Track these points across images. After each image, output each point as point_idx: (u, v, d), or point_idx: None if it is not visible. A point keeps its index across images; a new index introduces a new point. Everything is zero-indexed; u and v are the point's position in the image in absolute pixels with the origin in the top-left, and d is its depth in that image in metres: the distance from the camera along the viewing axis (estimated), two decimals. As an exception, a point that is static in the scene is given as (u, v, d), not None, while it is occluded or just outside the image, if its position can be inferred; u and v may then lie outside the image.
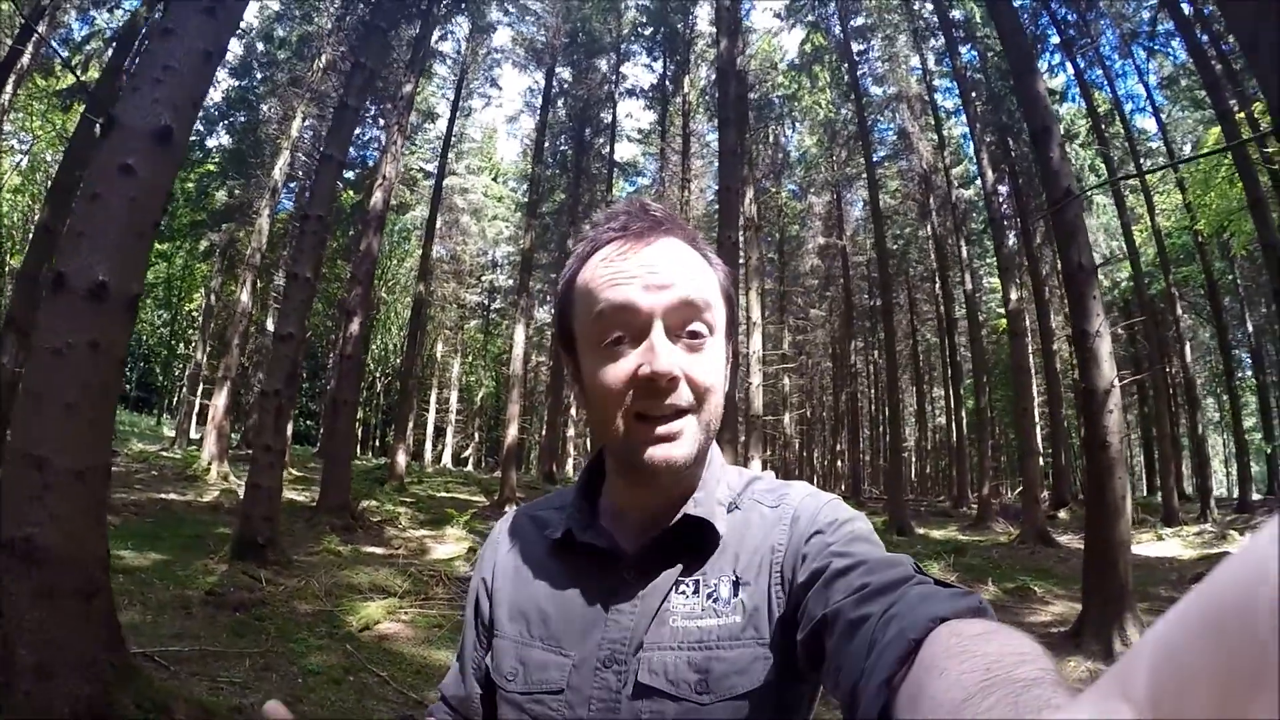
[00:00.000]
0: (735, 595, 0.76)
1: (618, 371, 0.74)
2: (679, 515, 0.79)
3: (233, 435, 21.18)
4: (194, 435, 24.80)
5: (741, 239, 13.69)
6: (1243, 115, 12.03)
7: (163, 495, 12.28)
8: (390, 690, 4.71)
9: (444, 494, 18.67)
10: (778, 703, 0.72)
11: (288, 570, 7.04)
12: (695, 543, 0.79)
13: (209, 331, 25.94)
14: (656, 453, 0.74)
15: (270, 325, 23.68)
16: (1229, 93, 12.14)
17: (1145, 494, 24.66)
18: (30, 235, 32.72)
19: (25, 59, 15.75)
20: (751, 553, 0.78)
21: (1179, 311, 18.16)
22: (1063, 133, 15.55)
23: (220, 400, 16.82)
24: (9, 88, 16.71)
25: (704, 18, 23.30)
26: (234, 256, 24.39)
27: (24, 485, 2.87)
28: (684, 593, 0.77)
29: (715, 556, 0.78)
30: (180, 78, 3.58)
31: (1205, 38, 12.85)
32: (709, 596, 0.76)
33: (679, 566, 0.78)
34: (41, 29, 13.88)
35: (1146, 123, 31.91)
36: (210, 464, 15.77)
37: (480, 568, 0.93)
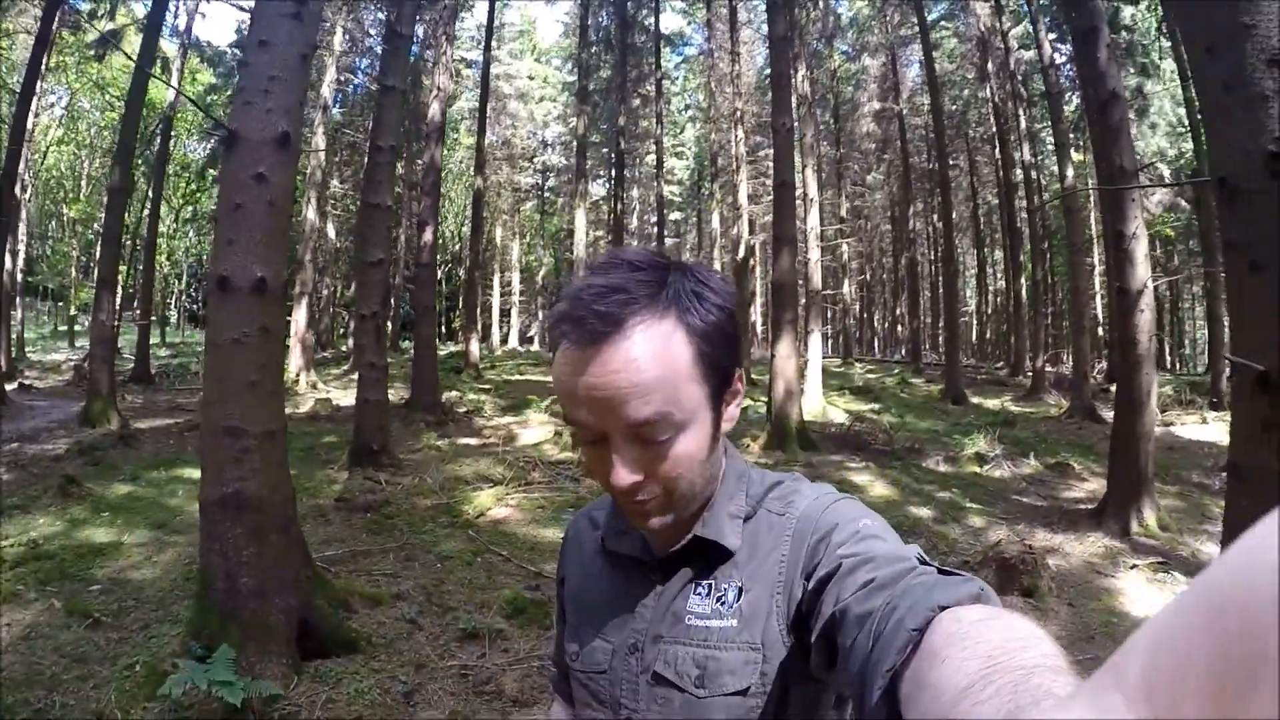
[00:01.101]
0: (738, 600, 0.81)
1: (596, 464, 0.79)
2: (689, 536, 0.85)
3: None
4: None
5: (796, 119, 13.71)
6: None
7: (262, 410, 13.41)
8: (513, 566, 5.59)
9: (518, 377, 19.65)
10: (774, 704, 0.77)
11: (401, 471, 8.05)
12: (708, 557, 0.85)
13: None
14: (639, 524, 0.83)
15: (332, 233, 24.50)
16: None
17: (1203, 372, 24.34)
18: (80, 185, 33.79)
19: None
20: (759, 561, 0.82)
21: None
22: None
23: (300, 314, 17.87)
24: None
25: None
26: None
27: (225, 451, 3.68)
28: (700, 594, 0.83)
29: (727, 564, 0.84)
30: (285, 84, 4.09)
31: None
32: (718, 599, 0.82)
33: (689, 571, 0.86)
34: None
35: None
36: (298, 375, 17.04)
37: (560, 564, 1.05)
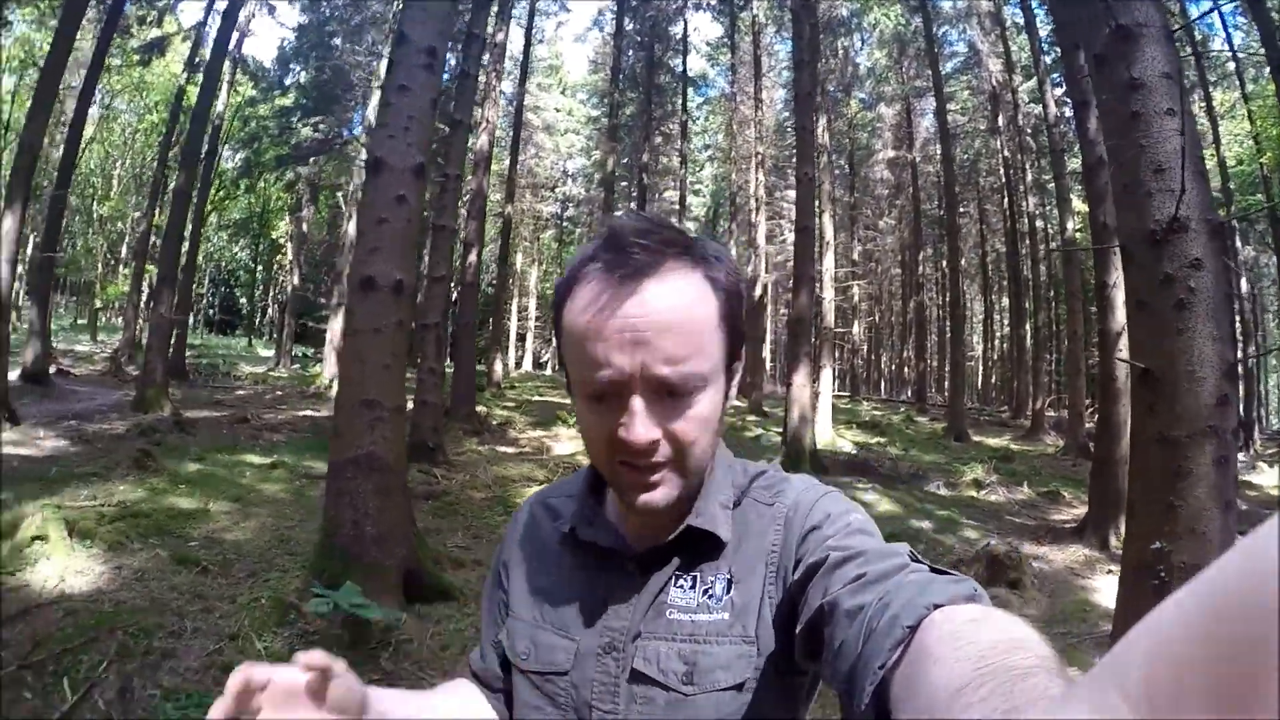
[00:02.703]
0: (727, 593, 0.78)
1: (600, 425, 0.74)
2: (682, 526, 0.80)
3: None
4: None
5: (817, 169, 14.70)
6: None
7: (304, 413, 14.23)
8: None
9: (539, 397, 20.54)
10: (764, 698, 0.74)
11: (453, 468, 8.91)
12: (699, 548, 0.80)
13: (301, 257, 27.65)
14: (638, 498, 0.76)
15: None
16: None
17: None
18: (111, 184, 34.73)
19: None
20: (748, 552, 0.79)
21: (1238, 243, 18.57)
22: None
23: (336, 324, 18.76)
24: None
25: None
26: (318, 185, 26.26)
27: (362, 419, 4.55)
28: (682, 587, 0.79)
29: (714, 555, 0.80)
30: (420, 124, 5.03)
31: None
32: (705, 592, 0.78)
33: (676, 561, 0.81)
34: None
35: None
36: (331, 382, 17.74)
37: (500, 552, 0.97)
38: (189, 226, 20.55)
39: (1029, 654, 0.42)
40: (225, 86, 20.76)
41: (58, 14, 16.48)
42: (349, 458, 4.54)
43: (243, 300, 47.03)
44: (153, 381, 13.28)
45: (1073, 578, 6.39)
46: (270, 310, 48.71)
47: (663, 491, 0.76)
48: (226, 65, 23.04)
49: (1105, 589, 6.11)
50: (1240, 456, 15.22)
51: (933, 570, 0.62)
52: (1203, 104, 17.00)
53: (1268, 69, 13.07)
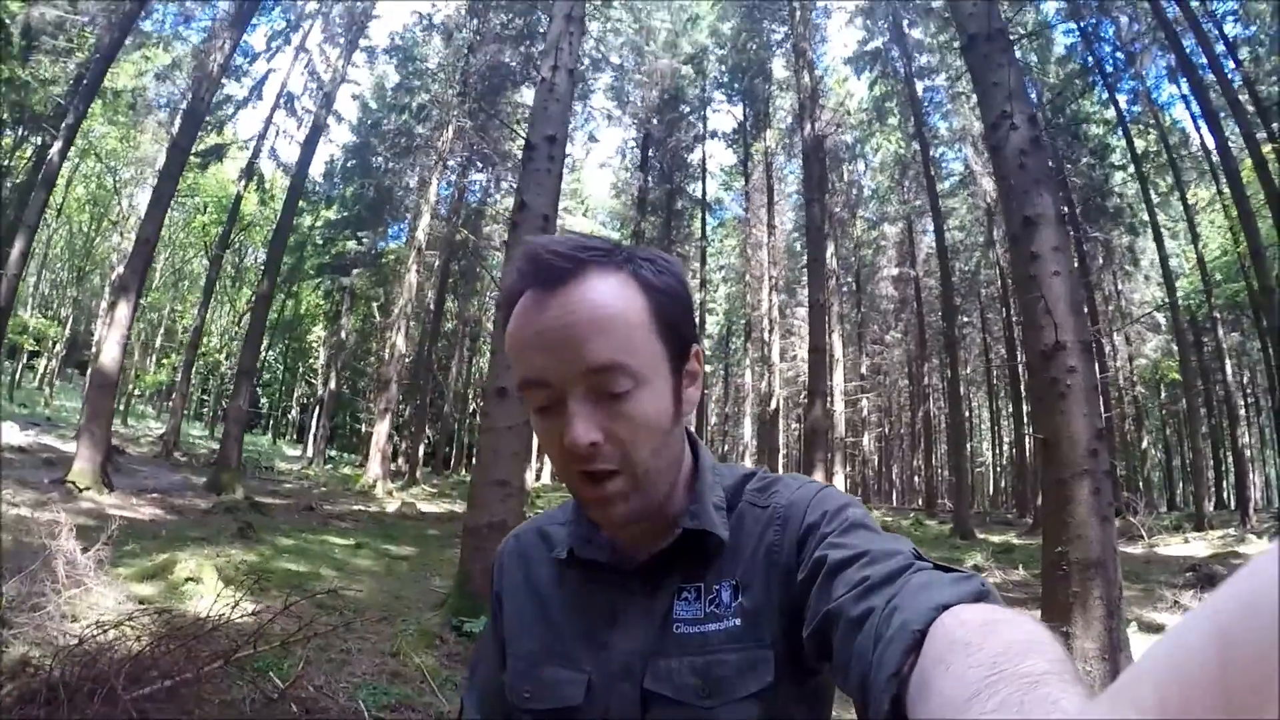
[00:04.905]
0: (735, 599, 0.76)
1: (550, 436, 0.73)
2: (679, 530, 0.78)
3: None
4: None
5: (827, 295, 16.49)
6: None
7: (356, 507, 15.49)
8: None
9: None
10: (787, 701, 0.74)
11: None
12: (699, 552, 0.79)
13: (339, 363, 29.44)
14: (600, 513, 0.76)
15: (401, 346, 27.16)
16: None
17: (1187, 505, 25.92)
18: (156, 276, 36.33)
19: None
20: (749, 555, 0.78)
21: (1220, 332, 20.18)
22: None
23: (382, 428, 20.54)
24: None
25: (779, 66, 25.88)
26: (355, 294, 28.26)
27: (495, 494, 6.01)
28: (686, 599, 0.78)
29: (716, 562, 0.79)
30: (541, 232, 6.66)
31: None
32: (711, 602, 0.77)
33: (679, 574, 0.79)
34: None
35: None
36: (375, 482, 19.48)
37: (495, 583, 0.93)
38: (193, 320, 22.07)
39: (1041, 659, 0.40)
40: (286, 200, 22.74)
41: (174, 128, 18.62)
42: (484, 523, 5.99)
43: (264, 400, 48.53)
44: (228, 466, 14.82)
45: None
46: (292, 411, 50.49)
47: (620, 506, 0.74)
48: (278, 177, 25.42)
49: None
50: (1232, 531, 16.59)
51: (938, 568, 0.61)
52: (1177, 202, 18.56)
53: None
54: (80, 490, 10.62)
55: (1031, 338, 4.65)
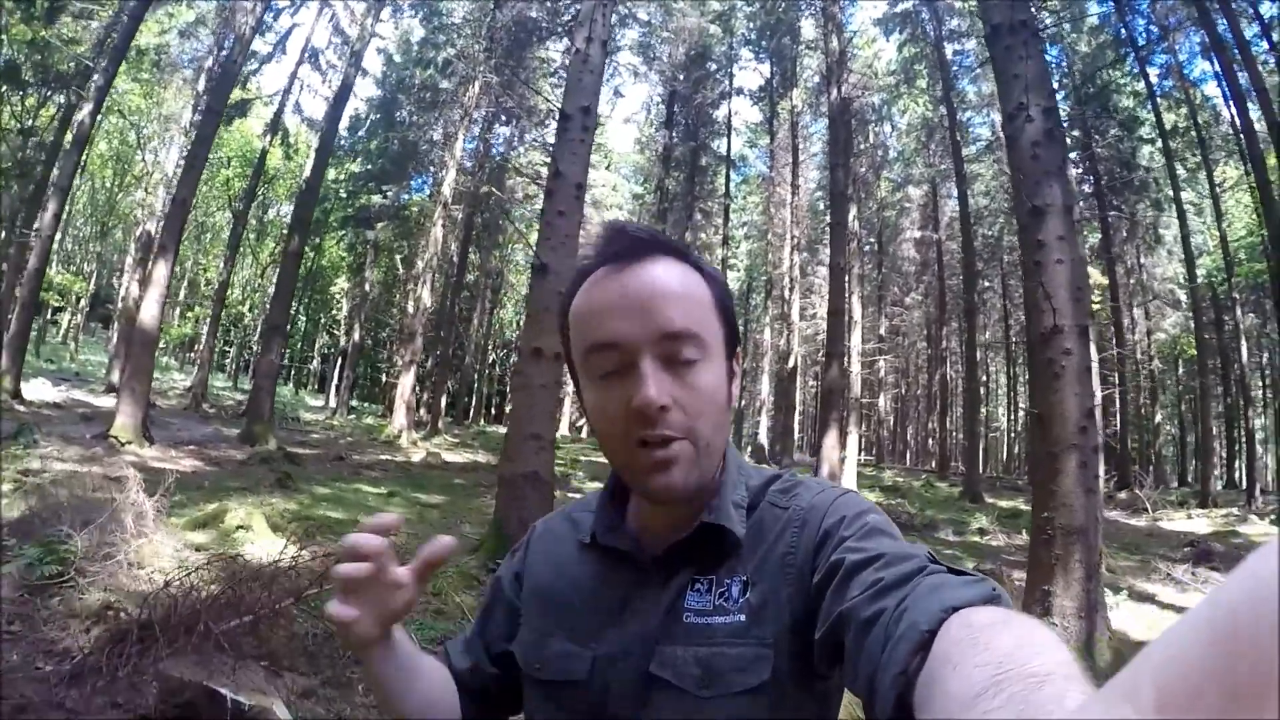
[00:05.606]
0: (744, 595, 0.78)
1: (612, 403, 0.76)
2: (696, 523, 0.81)
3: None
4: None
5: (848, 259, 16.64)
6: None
7: (383, 457, 15.97)
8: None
9: (585, 457, 22.21)
10: (784, 702, 0.74)
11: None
12: (715, 547, 0.81)
13: (362, 314, 29.84)
14: (656, 481, 0.77)
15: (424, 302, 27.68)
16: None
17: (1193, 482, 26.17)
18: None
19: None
20: (763, 555, 0.79)
21: (1239, 312, 20.25)
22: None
23: (407, 380, 21.06)
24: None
25: (808, 27, 25.44)
26: (379, 247, 28.70)
27: (529, 446, 6.47)
28: (698, 590, 0.79)
29: (730, 558, 0.80)
30: (571, 238, 7.01)
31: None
32: (720, 595, 0.78)
33: (694, 567, 0.81)
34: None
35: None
36: (400, 433, 20.06)
37: (513, 562, 0.98)
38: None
39: (1047, 659, 0.41)
40: (312, 156, 22.91)
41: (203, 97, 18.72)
42: (519, 473, 6.47)
43: (285, 351, 49.04)
44: (260, 418, 15.40)
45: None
46: (313, 362, 51.28)
47: (679, 471, 0.76)
48: (303, 132, 25.44)
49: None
50: (1235, 510, 16.89)
51: (951, 571, 0.62)
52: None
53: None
54: (123, 444, 11.17)
55: (1032, 322, 5.00)
